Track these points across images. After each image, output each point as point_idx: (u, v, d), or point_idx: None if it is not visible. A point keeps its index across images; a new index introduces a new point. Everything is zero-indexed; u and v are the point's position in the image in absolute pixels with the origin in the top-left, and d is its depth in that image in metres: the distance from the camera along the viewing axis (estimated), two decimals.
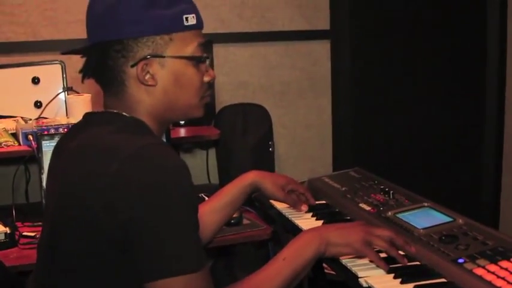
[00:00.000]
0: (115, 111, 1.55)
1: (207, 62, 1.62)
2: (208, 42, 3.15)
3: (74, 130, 1.64)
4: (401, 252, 1.66)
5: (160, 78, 1.53)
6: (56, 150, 1.66)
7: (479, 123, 4.15)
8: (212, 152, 3.49)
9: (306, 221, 2.07)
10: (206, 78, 1.61)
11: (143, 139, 1.44)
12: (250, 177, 2.11)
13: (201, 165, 3.49)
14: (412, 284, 1.51)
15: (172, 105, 1.57)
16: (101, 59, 1.53)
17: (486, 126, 4.14)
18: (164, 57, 1.52)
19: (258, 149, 3.39)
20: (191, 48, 1.55)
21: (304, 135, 3.74)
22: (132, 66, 1.51)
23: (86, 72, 1.58)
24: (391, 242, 1.67)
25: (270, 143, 3.44)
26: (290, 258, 1.59)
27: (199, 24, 1.58)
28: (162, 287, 1.37)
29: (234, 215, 2.49)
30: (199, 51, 1.57)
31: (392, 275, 1.58)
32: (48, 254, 1.53)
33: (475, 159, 4.20)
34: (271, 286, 1.54)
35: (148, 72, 1.51)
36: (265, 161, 3.41)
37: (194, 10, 1.57)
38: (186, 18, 1.54)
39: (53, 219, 1.51)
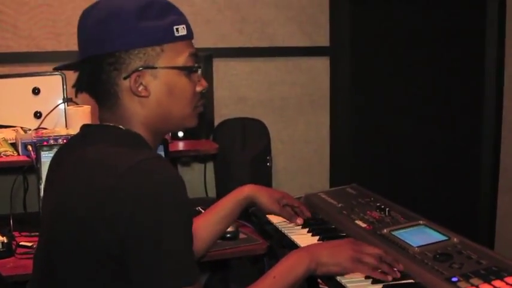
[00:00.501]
0: (111, 124, 1.56)
1: (199, 72, 1.64)
2: (204, 56, 3.19)
3: (71, 143, 1.65)
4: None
5: (153, 89, 1.54)
6: (53, 162, 1.66)
7: (476, 142, 4.16)
8: (210, 166, 3.50)
9: (302, 237, 2.08)
10: (198, 88, 1.63)
11: (140, 153, 1.45)
12: (245, 191, 2.13)
13: (198, 178, 3.50)
14: None
15: (166, 116, 1.58)
16: (93, 73, 1.54)
17: (483, 146, 4.16)
18: (156, 68, 1.53)
19: (256, 163, 3.39)
20: (182, 58, 1.57)
21: (302, 151, 3.75)
22: (125, 78, 1.51)
23: (79, 86, 1.59)
24: (381, 259, 1.69)
25: (268, 157, 3.45)
26: (280, 277, 1.60)
27: (189, 35, 1.59)
28: None
29: (231, 229, 2.50)
30: (191, 61, 1.59)
31: None
32: (44, 266, 1.53)
33: (472, 179, 4.20)
34: None
35: (141, 83, 1.52)
36: (263, 176, 3.42)
37: (184, 21, 1.58)
38: (177, 29, 1.55)
39: (49, 231, 1.51)
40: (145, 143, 1.56)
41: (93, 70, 1.53)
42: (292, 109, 3.68)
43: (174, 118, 1.59)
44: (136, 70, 1.51)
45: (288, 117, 3.67)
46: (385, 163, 3.99)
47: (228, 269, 3.17)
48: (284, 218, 2.17)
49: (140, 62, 1.51)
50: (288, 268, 1.63)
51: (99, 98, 1.58)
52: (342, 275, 1.68)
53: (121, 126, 1.55)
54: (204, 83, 1.65)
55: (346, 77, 3.76)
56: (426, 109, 4.03)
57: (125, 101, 1.54)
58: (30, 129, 2.90)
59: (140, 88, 1.52)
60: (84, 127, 1.62)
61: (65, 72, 3.02)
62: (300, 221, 2.15)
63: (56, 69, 1.66)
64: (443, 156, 4.12)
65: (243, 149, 3.38)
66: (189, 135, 3.12)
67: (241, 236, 2.62)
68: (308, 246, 1.74)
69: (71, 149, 1.59)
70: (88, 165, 1.46)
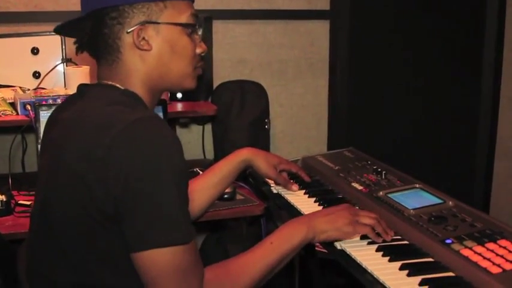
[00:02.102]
0: (109, 83, 1.57)
1: (200, 34, 1.64)
2: (204, 18, 3.18)
3: (67, 102, 1.65)
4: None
5: (155, 44, 1.55)
6: (50, 121, 1.67)
7: (474, 109, 4.17)
8: (208, 128, 3.50)
9: (299, 198, 2.10)
10: (198, 50, 1.64)
11: (136, 112, 1.45)
12: (243, 154, 2.14)
13: (196, 140, 3.50)
14: (400, 262, 1.54)
15: (166, 73, 1.59)
16: (96, 28, 1.54)
17: (480, 113, 4.16)
18: (159, 23, 1.54)
19: (254, 126, 3.40)
20: (185, 17, 1.58)
21: (300, 114, 3.75)
22: (128, 32, 1.52)
23: (81, 42, 1.60)
24: (377, 220, 1.73)
25: (266, 120, 3.45)
26: (277, 243, 1.62)
27: None
28: (149, 258, 1.39)
29: (228, 190, 2.52)
30: (192, 21, 1.60)
31: (381, 253, 1.61)
32: (40, 223, 1.55)
33: (469, 143, 4.22)
34: (255, 268, 1.58)
35: (143, 38, 1.53)
36: (261, 139, 3.42)
37: None
38: None
39: (45, 189, 1.53)
40: (143, 103, 1.57)
41: (96, 25, 1.54)
42: (291, 72, 3.68)
43: (173, 76, 1.60)
44: (140, 24, 1.52)
45: (286, 80, 3.67)
46: (383, 128, 3.99)
47: (224, 229, 3.20)
48: (280, 183, 2.18)
49: (143, 17, 1.52)
50: (285, 235, 1.65)
51: (99, 53, 1.58)
52: (341, 239, 1.70)
53: (119, 86, 1.56)
54: (203, 46, 1.66)
55: (346, 41, 3.74)
56: (425, 74, 4.03)
57: (126, 56, 1.55)
58: (29, 89, 2.90)
59: (142, 42, 1.53)
60: (81, 86, 1.63)
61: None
62: (295, 187, 2.17)
63: (56, 30, 1.64)
64: (441, 122, 4.12)
65: (241, 111, 3.38)
66: (187, 96, 3.13)
67: (238, 197, 2.64)
68: (307, 215, 1.76)
69: (67, 108, 1.59)
70: (84, 123, 1.47)
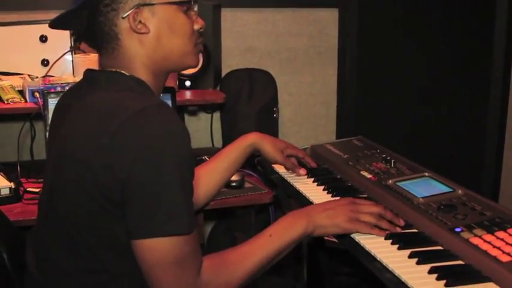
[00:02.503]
0: (114, 69, 1.56)
1: (196, 10, 1.64)
2: (217, 6, 3.17)
3: (75, 88, 1.66)
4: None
5: (152, 26, 1.54)
6: (57, 108, 1.67)
7: (484, 99, 4.14)
8: (217, 116, 3.49)
9: (307, 186, 2.10)
10: (196, 26, 1.63)
11: (144, 100, 1.46)
12: (250, 139, 2.14)
13: (205, 128, 3.49)
14: (409, 250, 1.54)
15: (167, 54, 1.58)
16: (91, 17, 1.53)
17: (490, 102, 4.14)
18: (153, 4, 1.53)
19: (263, 114, 3.39)
20: None
21: (309, 103, 3.73)
22: (123, 17, 1.51)
23: (78, 34, 1.59)
24: (380, 216, 1.70)
25: (274, 109, 3.44)
26: (276, 236, 1.61)
27: None
28: (148, 246, 1.40)
29: (236, 178, 2.52)
30: None
31: (390, 241, 1.61)
32: (47, 210, 1.56)
33: (479, 132, 4.19)
34: (254, 259, 1.57)
35: (140, 21, 1.52)
36: (270, 127, 3.42)
37: None
38: None
39: (52, 176, 1.54)
40: (149, 89, 1.57)
41: (90, 14, 1.53)
42: (300, 61, 3.66)
43: (175, 56, 1.59)
44: (134, 8, 1.51)
45: (295, 68, 3.65)
46: (392, 116, 3.97)
47: (233, 218, 3.20)
48: (287, 168, 2.19)
49: (137, 0, 1.51)
50: (284, 228, 1.64)
51: (98, 43, 1.57)
52: (342, 235, 1.69)
53: (124, 72, 1.55)
54: (201, 21, 1.64)
55: (355, 29, 3.72)
56: (435, 63, 4.00)
57: (125, 42, 1.54)
58: (37, 77, 2.90)
59: (139, 25, 1.52)
60: (88, 72, 1.62)
61: None
62: (302, 171, 2.17)
63: (51, 25, 1.62)
64: (450, 111, 4.10)
65: (249, 99, 3.38)
66: (196, 85, 3.12)
67: (247, 185, 2.63)
68: (307, 208, 1.75)
69: (74, 95, 1.60)
70: (91, 110, 1.47)
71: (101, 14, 1.52)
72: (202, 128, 3.50)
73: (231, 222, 3.23)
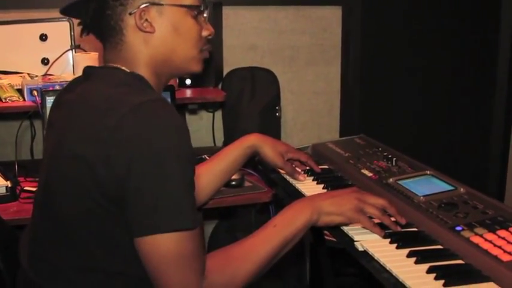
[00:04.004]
0: (115, 65, 1.55)
1: (206, 16, 1.61)
2: (218, 4, 3.15)
3: (73, 84, 1.64)
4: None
5: (158, 26, 1.52)
6: (55, 104, 1.66)
7: (489, 97, 4.11)
8: (218, 115, 3.47)
9: (307, 185, 2.07)
10: (205, 33, 1.61)
11: (143, 95, 1.43)
12: (250, 140, 2.11)
13: (206, 127, 3.47)
14: (408, 250, 1.51)
15: (171, 56, 1.56)
16: (99, 9, 1.52)
17: (495, 101, 4.10)
18: (162, 4, 1.52)
19: (265, 113, 3.37)
20: None
21: (312, 102, 3.70)
22: (131, 14, 1.50)
23: (85, 24, 1.58)
24: (384, 210, 1.67)
25: (277, 108, 3.42)
26: (281, 226, 1.58)
27: None
28: (152, 243, 1.37)
29: (236, 177, 2.50)
30: (198, 2, 1.58)
31: (389, 240, 1.58)
32: (42, 208, 1.54)
33: (484, 131, 4.16)
34: (260, 251, 1.53)
35: (146, 19, 1.51)
36: (272, 126, 3.40)
37: None
38: None
39: (48, 170, 1.51)
40: (149, 85, 1.55)
41: (98, 6, 1.52)
42: (303, 59, 3.63)
43: (178, 59, 1.58)
44: (142, 5, 1.50)
45: (298, 67, 3.62)
46: (396, 115, 3.94)
47: (234, 218, 3.17)
48: (286, 172, 2.13)
49: None
50: (289, 218, 1.60)
51: (104, 35, 1.56)
52: (345, 224, 1.65)
53: (125, 68, 1.54)
54: (210, 28, 1.63)
55: (359, 27, 3.69)
56: (440, 60, 3.97)
57: (130, 38, 1.53)
58: (37, 76, 2.88)
59: (145, 24, 1.51)
60: (87, 68, 1.61)
61: (73, 19, 2.99)
62: (302, 177, 2.11)
63: (62, 11, 1.62)
64: (455, 109, 4.07)
65: (252, 98, 3.36)
66: (196, 83, 3.09)
67: (247, 184, 2.61)
68: (311, 197, 1.72)
69: (72, 90, 1.58)
70: (89, 104, 1.46)
71: (109, 7, 1.51)
72: (203, 127, 3.48)
73: (232, 222, 3.22)
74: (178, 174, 1.37)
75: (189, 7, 1.55)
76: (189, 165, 1.42)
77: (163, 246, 1.37)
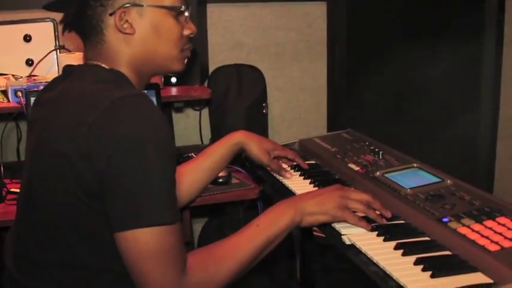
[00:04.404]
0: (95, 63, 1.54)
1: (187, 15, 1.60)
2: (202, 1, 3.13)
3: (53, 82, 1.64)
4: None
5: (138, 27, 1.52)
6: (35, 103, 1.66)
7: (476, 90, 4.11)
8: (205, 113, 3.45)
9: (294, 180, 2.08)
10: (186, 32, 1.61)
11: (122, 90, 1.44)
12: (236, 137, 2.11)
13: (193, 125, 3.45)
14: (395, 242, 1.51)
15: (151, 56, 1.56)
16: (80, 9, 1.52)
17: (483, 94, 4.11)
18: (142, 5, 1.52)
19: (252, 110, 3.36)
20: None
21: (299, 98, 3.69)
22: (111, 14, 1.50)
23: (66, 23, 1.57)
24: (368, 204, 1.67)
25: (263, 104, 3.41)
26: (263, 226, 1.58)
27: None
28: (131, 238, 1.37)
29: (223, 174, 2.49)
30: (179, 2, 1.57)
31: (376, 232, 1.58)
32: (25, 205, 1.54)
33: (472, 124, 4.17)
34: (242, 250, 1.53)
35: (126, 21, 1.51)
36: (259, 123, 3.39)
37: None
38: None
39: (30, 170, 1.51)
40: (129, 81, 1.55)
41: (79, 6, 1.51)
42: (289, 55, 3.62)
43: (159, 59, 1.58)
44: (122, 7, 1.49)
45: (284, 63, 3.61)
46: (384, 110, 3.94)
47: (224, 215, 3.16)
48: (272, 170, 2.13)
49: (126, 0, 1.50)
50: (272, 218, 1.60)
51: (85, 34, 1.56)
52: (330, 223, 1.65)
53: (105, 66, 1.54)
54: (192, 26, 1.63)
55: (344, 22, 3.69)
56: (425, 53, 3.97)
57: (110, 38, 1.52)
58: (22, 77, 2.86)
59: (125, 25, 1.51)
60: (67, 67, 1.61)
61: (56, 18, 2.97)
62: (289, 175, 2.11)
63: (45, 7, 1.61)
64: (443, 101, 4.07)
65: (238, 96, 3.34)
66: (182, 81, 3.07)
67: (234, 181, 2.60)
68: (294, 197, 1.72)
69: (52, 89, 1.58)
70: (69, 101, 1.45)
71: (90, 7, 1.50)
72: (190, 125, 3.47)
73: (222, 219, 3.20)
74: (159, 169, 1.37)
75: (169, 8, 1.55)
76: (170, 160, 1.42)
77: (143, 241, 1.37)
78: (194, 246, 3.17)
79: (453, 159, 3.99)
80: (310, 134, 3.58)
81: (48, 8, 1.61)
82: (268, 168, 2.15)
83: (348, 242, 1.55)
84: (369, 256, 1.46)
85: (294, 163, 2.17)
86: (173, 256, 1.41)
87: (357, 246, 1.51)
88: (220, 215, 3.23)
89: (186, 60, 1.66)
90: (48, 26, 3.00)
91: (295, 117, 3.71)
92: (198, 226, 3.38)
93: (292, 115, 3.70)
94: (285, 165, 2.15)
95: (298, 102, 3.70)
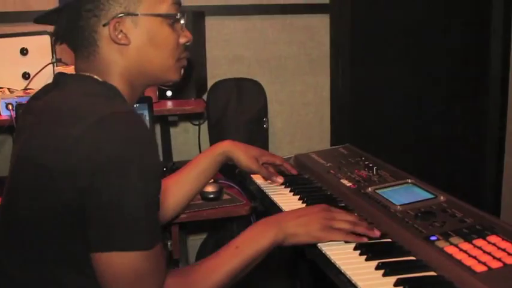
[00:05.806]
0: (87, 74, 1.50)
1: (183, 22, 1.57)
2: (196, 13, 3.09)
3: (42, 91, 1.59)
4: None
5: (133, 37, 1.48)
6: (24, 111, 1.62)
7: (482, 108, 4.05)
8: (204, 128, 3.41)
9: (283, 196, 2.03)
10: (182, 40, 1.57)
11: (112, 106, 1.39)
12: (222, 146, 2.08)
13: (193, 140, 3.41)
14: (376, 262, 1.44)
15: (146, 67, 1.52)
16: (72, 20, 1.48)
17: (489, 112, 4.04)
18: (137, 15, 1.48)
19: (252, 125, 3.31)
20: (165, 6, 1.51)
21: (301, 112, 3.64)
22: (104, 25, 1.46)
23: (58, 35, 1.53)
24: (354, 224, 1.62)
25: (264, 119, 3.36)
26: (243, 247, 1.54)
27: None
28: (107, 260, 1.33)
29: (214, 190, 2.46)
30: (174, 10, 1.54)
31: (359, 251, 1.52)
32: (4, 217, 1.49)
33: (477, 141, 4.09)
34: (218, 273, 1.49)
35: (121, 31, 1.47)
36: (259, 138, 3.34)
37: None
38: None
39: (11, 180, 1.47)
40: (121, 96, 1.50)
41: (71, 17, 1.47)
42: (290, 69, 3.57)
43: (155, 69, 1.54)
44: (116, 17, 1.46)
45: (285, 77, 3.56)
46: (389, 124, 3.88)
47: (223, 231, 3.12)
48: (262, 176, 2.12)
49: (120, 8, 1.46)
50: (251, 238, 1.56)
51: (77, 46, 1.52)
52: (313, 244, 1.60)
53: (97, 77, 1.49)
54: (188, 34, 1.59)
55: (347, 35, 3.63)
56: (430, 66, 3.91)
57: (104, 50, 1.48)
58: (17, 90, 2.83)
59: (120, 36, 1.47)
60: (58, 75, 1.56)
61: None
62: (280, 179, 2.09)
63: (36, 20, 1.57)
64: (447, 116, 4.00)
65: (238, 110, 3.30)
66: (177, 95, 3.02)
67: (225, 196, 2.55)
68: (277, 216, 1.67)
69: (41, 97, 1.54)
70: (56, 113, 1.41)
71: (82, 18, 1.46)
72: (190, 141, 3.43)
73: (220, 236, 3.16)
74: (140, 192, 1.32)
75: (165, 16, 1.51)
76: (154, 182, 1.37)
77: (118, 264, 1.33)
78: (188, 262, 3.11)
79: (460, 174, 3.94)
80: (312, 149, 3.52)
81: (39, 21, 1.57)
82: (258, 181, 2.14)
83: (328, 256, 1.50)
84: (347, 276, 1.39)
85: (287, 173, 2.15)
86: (147, 281, 1.37)
87: (337, 266, 1.45)
88: (218, 232, 3.18)
89: (182, 70, 1.62)
90: (45, 39, 2.97)
91: (297, 132, 3.65)
92: (196, 242, 3.34)
93: (294, 130, 3.65)
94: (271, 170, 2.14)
95: (300, 116, 3.64)
